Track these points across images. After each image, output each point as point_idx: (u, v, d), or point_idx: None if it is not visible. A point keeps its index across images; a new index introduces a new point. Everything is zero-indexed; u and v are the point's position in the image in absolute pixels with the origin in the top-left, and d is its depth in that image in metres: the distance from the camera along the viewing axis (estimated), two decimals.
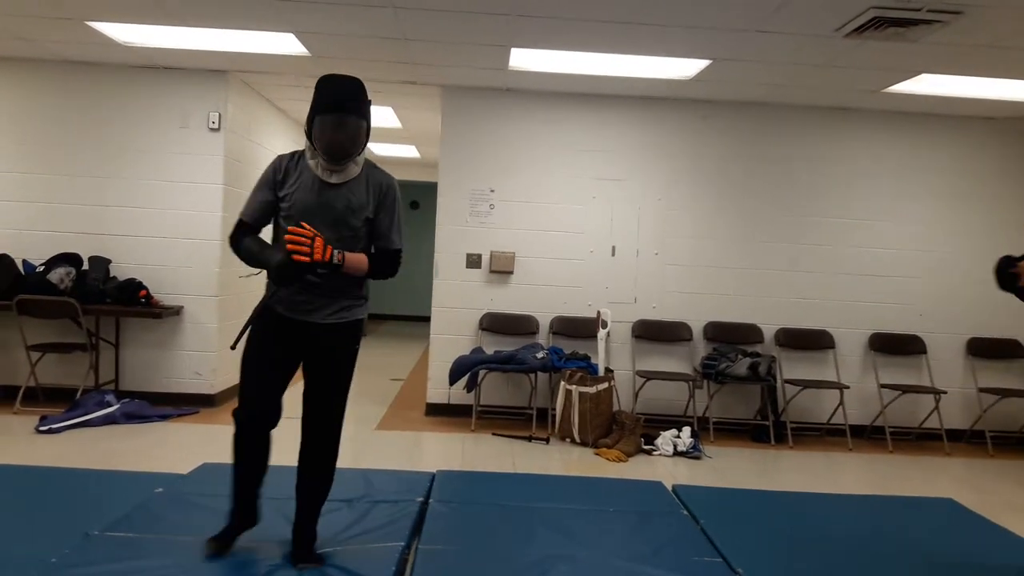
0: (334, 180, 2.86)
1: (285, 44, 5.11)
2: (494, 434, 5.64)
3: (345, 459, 4.82)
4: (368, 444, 5.30)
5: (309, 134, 2.84)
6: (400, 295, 12.66)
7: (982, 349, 6.23)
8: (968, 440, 6.14)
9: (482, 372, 5.82)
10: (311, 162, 2.88)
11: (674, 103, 6.16)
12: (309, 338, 2.94)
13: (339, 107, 2.77)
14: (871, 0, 3.83)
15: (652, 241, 6.20)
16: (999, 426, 6.10)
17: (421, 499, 3.81)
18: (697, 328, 6.20)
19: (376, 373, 8.24)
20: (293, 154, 2.96)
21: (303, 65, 5.60)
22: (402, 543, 3.24)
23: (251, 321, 2.82)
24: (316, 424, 3.04)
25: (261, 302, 2.86)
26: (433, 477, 4.22)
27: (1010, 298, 6.12)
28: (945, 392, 5.99)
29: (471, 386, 5.83)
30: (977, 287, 6.20)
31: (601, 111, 6.15)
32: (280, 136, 7.57)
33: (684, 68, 5.25)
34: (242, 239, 2.93)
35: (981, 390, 6.10)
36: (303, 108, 7.46)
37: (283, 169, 2.91)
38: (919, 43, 4.40)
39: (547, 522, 3.61)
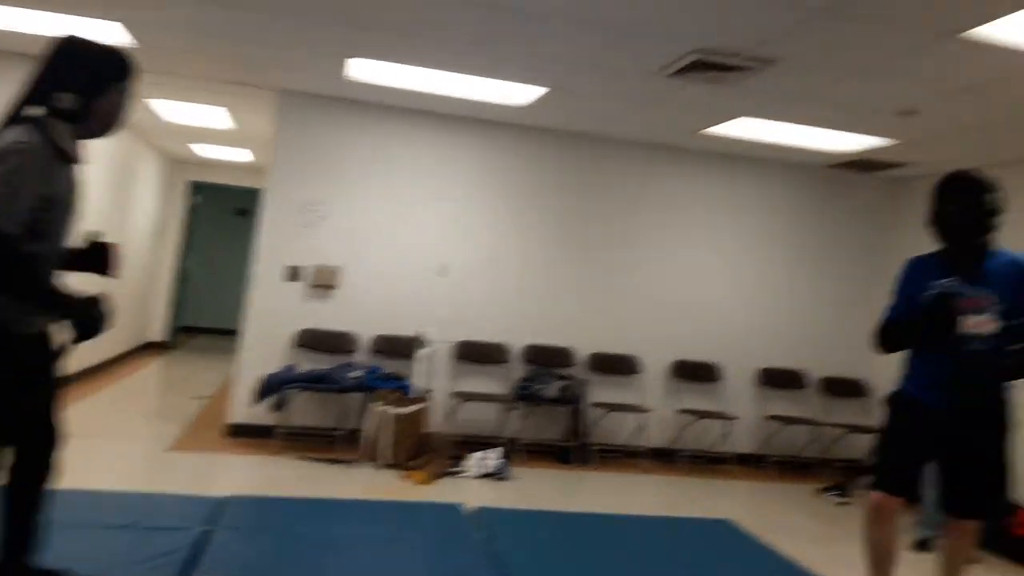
0: None
1: (112, 34, 4.78)
2: (299, 457, 5.46)
3: (127, 482, 4.52)
4: (156, 466, 4.97)
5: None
6: (216, 306, 12.00)
7: (771, 378, 6.73)
8: (755, 464, 6.60)
9: (292, 390, 5.64)
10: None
11: (510, 128, 6.29)
12: None
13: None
14: (695, 44, 4.07)
15: (481, 263, 6.26)
16: (783, 451, 6.62)
17: (204, 527, 3.61)
18: (517, 350, 6.32)
19: (176, 391, 7.80)
20: None
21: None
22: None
23: None
24: None
25: None
26: (222, 503, 4.02)
27: (799, 332, 6.72)
28: (737, 418, 6.43)
29: (279, 405, 5.63)
30: (770, 321, 6.73)
31: (440, 130, 6.18)
32: None
33: (521, 94, 5.36)
34: None
35: (768, 417, 6.59)
36: None
37: None
38: (737, 88, 4.72)
39: (335, 548, 3.53)
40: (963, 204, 2.92)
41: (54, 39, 2.39)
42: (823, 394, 6.76)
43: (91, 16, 4.57)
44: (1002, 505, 3.07)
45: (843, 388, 6.69)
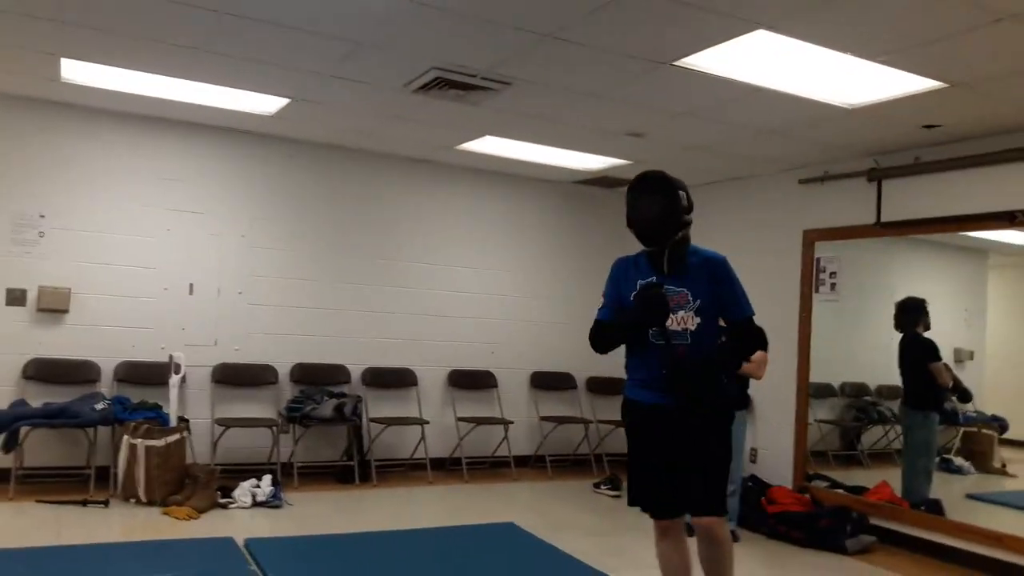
0: None
1: None
2: (38, 501, 4.81)
3: None
4: None
5: None
6: None
7: (542, 381, 6.98)
8: (532, 464, 6.81)
9: (24, 429, 4.94)
10: None
11: (258, 138, 5.97)
12: None
13: None
14: (433, 61, 4.07)
15: (235, 279, 5.89)
16: (557, 450, 6.88)
17: None
18: (284, 370, 6.02)
19: None
20: None
21: None
22: None
23: None
24: None
25: None
26: None
27: (565, 337, 7.04)
28: (512, 422, 6.59)
29: (10, 446, 4.90)
30: (537, 327, 7.01)
31: (178, 138, 5.72)
32: None
33: (264, 104, 5.11)
34: None
35: (542, 418, 6.82)
36: None
37: None
38: (480, 107, 4.81)
39: None
40: (653, 204, 2.96)
41: None
42: (590, 393, 7.13)
43: None
44: (722, 501, 2.99)
45: (607, 387, 7.08)
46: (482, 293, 6.80)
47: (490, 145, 5.85)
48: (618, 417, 6.74)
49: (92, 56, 4.33)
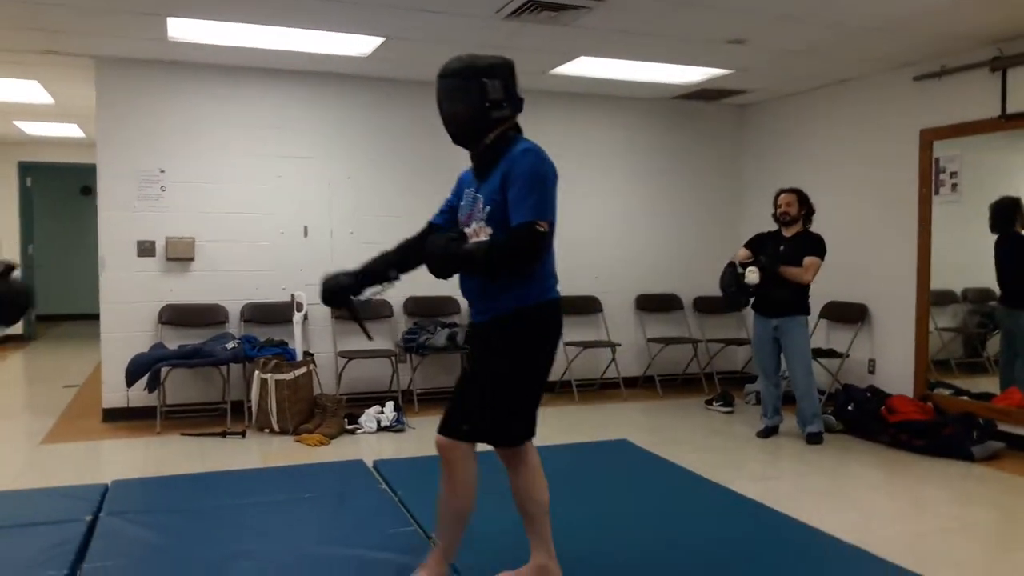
0: None
1: None
2: (183, 434, 5.23)
3: (2, 481, 4.20)
4: (31, 461, 4.64)
5: None
6: (74, 292, 11.27)
7: (648, 304, 6.97)
8: (642, 385, 6.86)
9: (165, 369, 5.36)
10: None
11: (356, 80, 6.08)
12: None
13: None
14: None
15: (345, 220, 6.10)
16: (665, 370, 6.90)
17: (89, 516, 3.40)
18: (397, 304, 6.24)
19: (45, 382, 7.30)
20: None
21: None
22: (64, 571, 2.86)
23: None
24: None
25: None
26: (106, 489, 3.80)
27: (670, 257, 6.98)
28: (619, 344, 6.63)
29: (153, 386, 5.34)
30: (641, 250, 6.97)
31: (281, 86, 5.89)
32: None
33: (359, 45, 5.18)
34: None
35: (649, 340, 6.83)
36: None
37: None
38: (572, 27, 4.73)
39: (234, 520, 3.42)
40: (451, 98, 2.53)
41: None
42: (697, 313, 7.07)
43: None
44: (457, 421, 2.51)
45: (715, 306, 7.01)
46: (582, 219, 6.77)
47: (584, 66, 5.75)
48: (728, 335, 6.84)
49: (195, 12, 4.50)
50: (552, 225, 2.48)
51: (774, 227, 5.20)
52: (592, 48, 5.31)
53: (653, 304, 6.99)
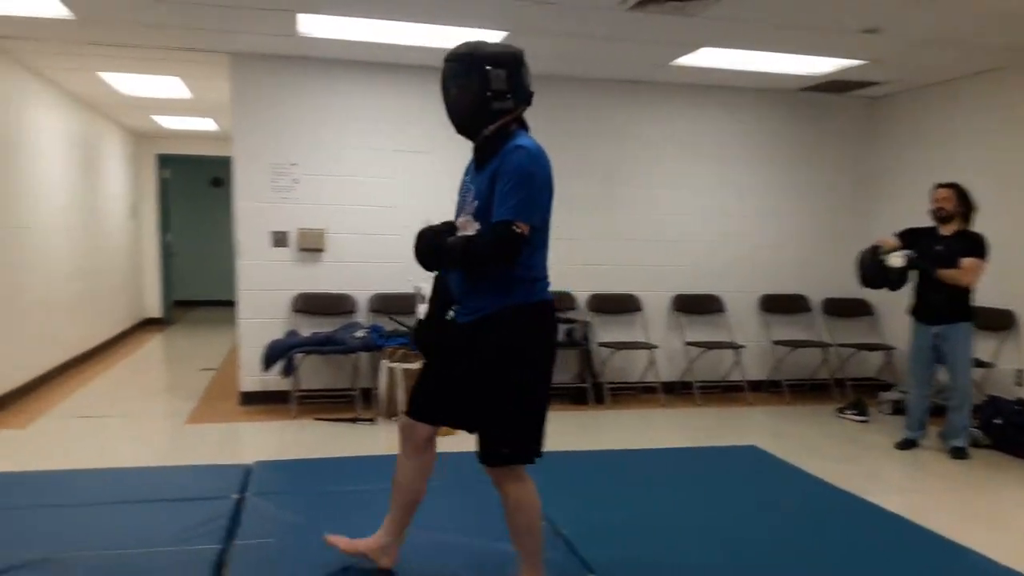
0: None
1: (44, 5, 4.54)
2: (316, 419, 5.43)
3: (153, 458, 4.49)
4: (178, 440, 4.93)
5: None
6: (207, 278, 11.91)
7: (773, 305, 6.75)
8: (767, 389, 6.66)
9: (299, 355, 5.57)
10: None
11: None
12: None
13: None
14: None
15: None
16: (793, 375, 6.67)
17: (236, 495, 3.57)
18: None
19: (184, 364, 7.72)
20: None
21: (68, 30, 5.02)
22: (219, 545, 3.01)
23: None
24: None
25: None
26: (249, 470, 3.97)
27: (797, 257, 6.73)
28: (744, 346, 6.46)
29: (288, 371, 5.57)
30: (767, 248, 6.74)
31: (403, 81, 6.00)
32: (52, 111, 6.81)
33: (483, 39, 5.20)
34: None
35: (775, 342, 6.62)
36: (77, 79, 6.73)
37: None
38: (697, 17, 4.61)
39: (372, 504, 3.49)
40: (454, 86, 2.46)
41: None
42: (827, 316, 6.80)
43: None
44: (496, 447, 2.45)
45: (846, 308, 6.73)
46: (705, 214, 6.63)
47: (707, 57, 5.60)
48: (860, 339, 6.55)
49: (323, 7, 4.63)
50: (544, 226, 2.45)
51: (928, 223, 4.87)
52: (717, 39, 5.17)
53: (779, 305, 6.77)
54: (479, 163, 2.49)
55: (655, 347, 6.29)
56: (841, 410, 5.97)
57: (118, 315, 8.93)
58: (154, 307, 10.38)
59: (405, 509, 2.75)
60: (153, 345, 8.92)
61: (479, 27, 4.95)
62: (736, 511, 3.64)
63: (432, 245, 2.47)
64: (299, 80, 5.83)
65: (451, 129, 2.54)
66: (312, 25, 4.98)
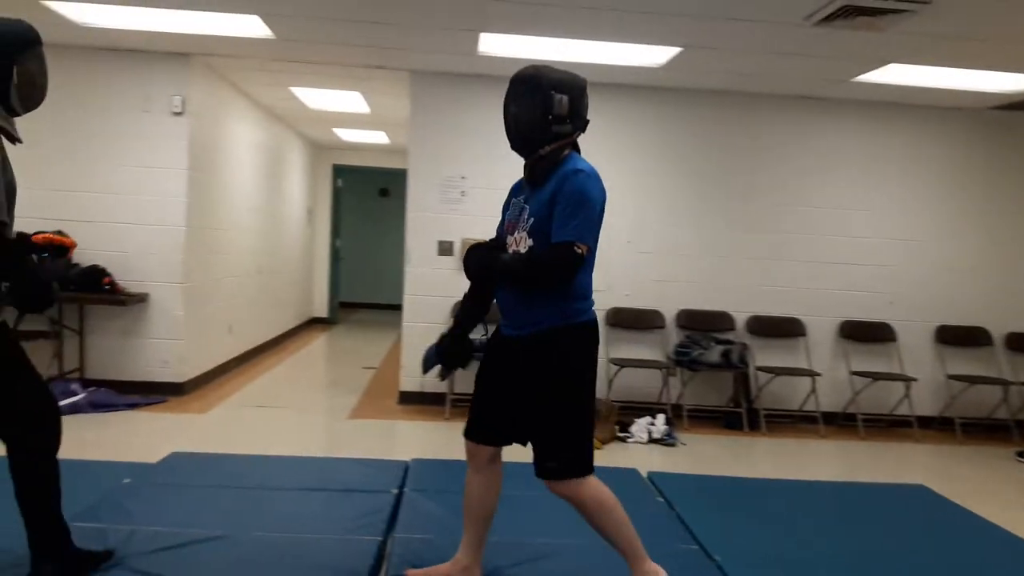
0: None
1: (250, 27, 4.97)
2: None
3: (318, 448, 4.80)
4: (341, 433, 5.23)
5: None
6: (371, 282, 12.60)
7: (950, 336, 6.30)
8: (938, 426, 6.22)
9: None
10: None
11: (645, 91, 6.12)
12: None
13: None
14: None
15: (625, 229, 6.17)
16: (968, 412, 6.18)
17: (396, 489, 3.75)
18: (670, 316, 6.20)
19: (347, 362, 8.16)
20: None
21: (269, 48, 5.48)
22: (379, 537, 3.18)
23: None
24: None
25: None
26: (407, 466, 4.16)
27: (978, 286, 6.26)
28: (915, 379, 6.06)
29: (445, 374, 5.75)
30: (945, 275, 6.31)
31: None
32: (247, 122, 7.42)
33: (654, 56, 5.22)
34: None
35: (950, 377, 6.18)
36: (271, 94, 7.29)
37: None
38: (888, 32, 4.41)
39: (524, 510, 3.57)
40: (516, 105, 2.52)
41: None
42: (1010, 351, 6.27)
43: (229, 11, 4.74)
44: (554, 464, 2.54)
45: None
46: (878, 237, 6.30)
47: (893, 74, 5.34)
48: None
49: (506, 27, 4.79)
50: (592, 248, 2.50)
51: None
52: (905, 55, 4.92)
53: (956, 337, 6.31)
54: (532, 182, 2.59)
55: (818, 374, 6.03)
56: (1021, 454, 5.48)
57: (290, 313, 9.57)
58: (321, 307, 11.05)
59: (479, 525, 2.82)
60: (319, 343, 9.49)
61: (653, 43, 4.96)
62: (901, 552, 3.44)
63: (485, 261, 2.56)
64: (472, 96, 6.06)
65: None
66: (491, 44, 5.17)
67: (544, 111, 2.47)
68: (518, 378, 2.57)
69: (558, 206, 2.43)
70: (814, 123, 6.26)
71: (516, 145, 2.61)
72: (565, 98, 2.49)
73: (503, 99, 2.60)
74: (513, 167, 6.20)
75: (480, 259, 2.58)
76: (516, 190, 2.77)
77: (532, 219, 2.50)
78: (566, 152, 2.56)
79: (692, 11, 4.30)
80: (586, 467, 2.55)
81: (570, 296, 2.52)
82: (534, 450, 2.57)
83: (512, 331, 2.62)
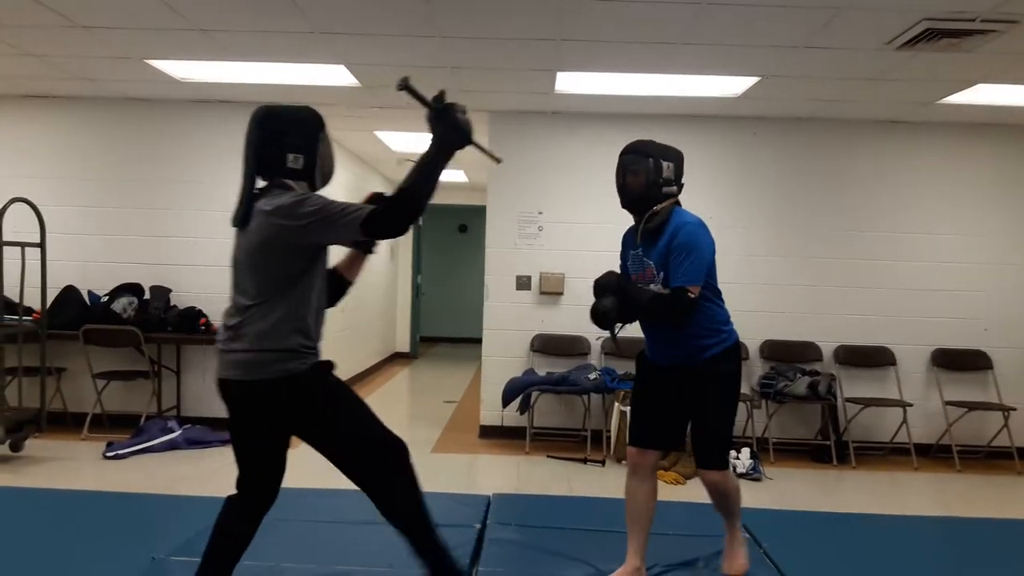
0: None
1: (337, 76, 5.21)
2: (549, 456, 5.62)
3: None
4: (424, 467, 5.26)
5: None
6: (450, 317, 12.80)
7: None
8: None
9: (535, 394, 5.81)
10: None
11: (722, 120, 6.11)
12: None
13: None
14: (923, 12, 3.78)
15: None
16: None
17: (479, 524, 3.79)
18: (753, 347, 6.10)
19: (429, 396, 8.30)
20: None
21: (354, 95, 5.71)
22: (463, 573, 3.21)
23: None
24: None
25: None
26: (489, 501, 4.20)
27: None
28: (1015, 409, 5.78)
29: (524, 408, 5.82)
30: None
31: (646, 131, 5.96)
32: (337, 164, 7.69)
33: (732, 86, 5.22)
34: None
35: None
36: (356, 138, 7.57)
37: None
38: (974, 53, 4.31)
39: (606, 546, 3.56)
40: (629, 171, 2.98)
41: (255, 115, 2.54)
42: None
43: (317, 62, 4.97)
44: (717, 459, 3.07)
45: None
46: (971, 263, 6.07)
47: (982, 94, 5.19)
48: None
49: (583, 66, 4.89)
50: (714, 280, 3.01)
51: None
52: (994, 75, 4.79)
53: None
54: (648, 236, 3.00)
55: (909, 405, 5.81)
56: None
57: (374, 348, 9.80)
58: (404, 342, 11.28)
59: (645, 531, 3.14)
60: (402, 377, 9.67)
61: (731, 74, 4.96)
62: None
63: (634, 292, 2.99)
64: (549, 133, 6.16)
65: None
66: (568, 82, 5.27)
67: (654, 177, 2.96)
68: (687, 397, 3.02)
69: (672, 256, 2.88)
70: (900, 147, 6.12)
71: (631, 205, 3.05)
72: (671, 164, 3.00)
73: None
74: (589, 203, 6.30)
75: (630, 289, 3.01)
76: (630, 242, 3.19)
77: (662, 272, 2.94)
78: (675, 208, 3.01)
79: (770, 42, 4.30)
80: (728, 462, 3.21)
81: (719, 327, 3.01)
82: (702, 449, 3.07)
83: (664, 360, 3.06)
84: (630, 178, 2.99)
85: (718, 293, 3.05)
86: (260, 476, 2.62)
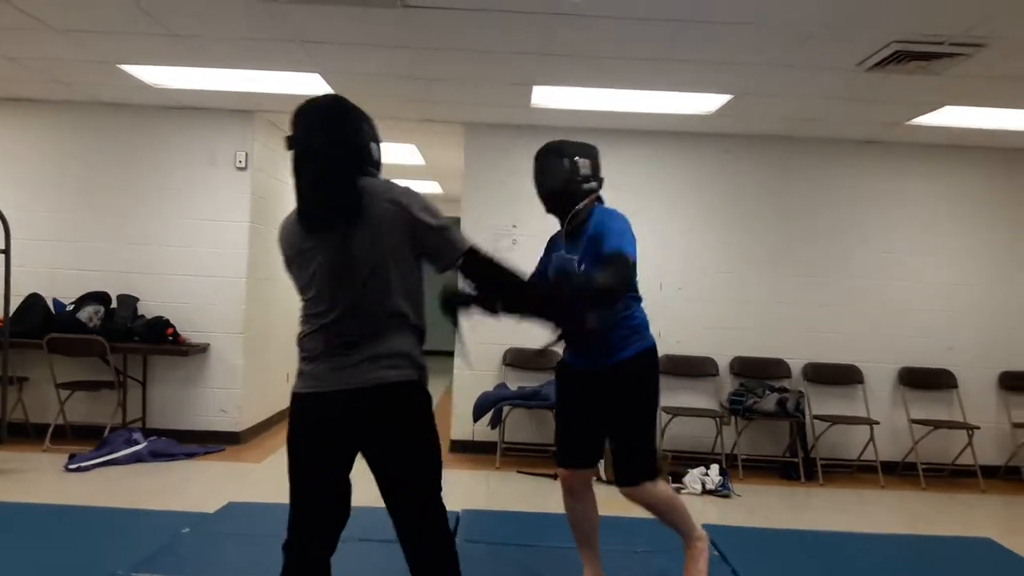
0: None
1: (311, 84, 5.18)
2: (519, 472, 5.60)
3: (371, 498, 4.81)
4: None
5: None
6: None
7: (1015, 383, 6.11)
8: (1003, 476, 6.00)
9: (506, 408, 5.79)
10: None
11: (697, 137, 6.17)
12: None
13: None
14: (893, 35, 3.85)
15: (676, 276, 6.16)
16: None
17: None
18: (723, 363, 6.14)
19: None
20: None
21: None
22: None
23: None
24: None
25: None
26: (459, 517, 4.17)
27: None
28: (978, 427, 5.87)
29: (495, 423, 5.80)
30: (1008, 320, 6.15)
31: (623, 146, 6.15)
32: None
33: (705, 103, 5.27)
34: None
35: (1015, 425, 5.98)
36: None
37: None
38: (942, 76, 4.40)
39: (576, 563, 3.54)
40: (545, 173, 2.96)
41: (330, 103, 2.39)
42: None
43: (290, 70, 4.95)
44: (639, 470, 2.91)
45: None
46: (937, 282, 6.17)
47: (948, 116, 5.29)
48: None
49: (559, 80, 4.90)
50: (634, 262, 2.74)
51: None
52: (959, 97, 4.89)
53: (1021, 383, 6.10)
54: (572, 235, 2.94)
55: (876, 423, 5.88)
56: None
57: None
58: None
59: (594, 544, 3.17)
60: None
61: (702, 91, 5.02)
62: None
63: (582, 287, 2.69)
64: (524, 146, 6.06)
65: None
66: (543, 96, 5.29)
67: (571, 176, 2.92)
68: (603, 404, 2.93)
69: (601, 237, 2.77)
70: (870, 167, 6.22)
71: (553, 207, 3.00)
72: (588, 161, 2.98)
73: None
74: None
75: (583, 287, 2.71)
76: (556, 245, 3.09)
77: (583, 265, 2.84)
78: (596, 204, 2.99)
79: (743, 60, 4.35)
80: (658, 471, 2.99)
81: (635, 326, 2.92)
82: (622, 464, 2.95)
83: (587, 364, 2.95)
84: (548, 180, 2.96)
85: (638, 293, 2.95)
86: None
